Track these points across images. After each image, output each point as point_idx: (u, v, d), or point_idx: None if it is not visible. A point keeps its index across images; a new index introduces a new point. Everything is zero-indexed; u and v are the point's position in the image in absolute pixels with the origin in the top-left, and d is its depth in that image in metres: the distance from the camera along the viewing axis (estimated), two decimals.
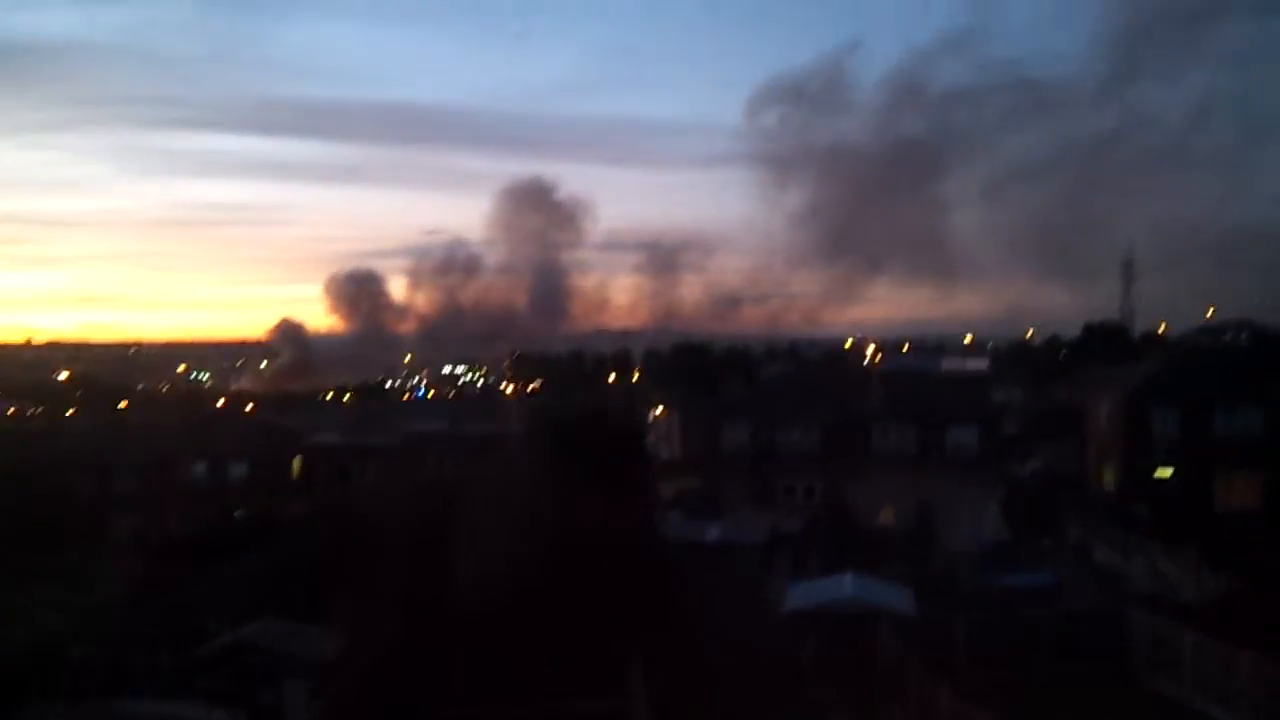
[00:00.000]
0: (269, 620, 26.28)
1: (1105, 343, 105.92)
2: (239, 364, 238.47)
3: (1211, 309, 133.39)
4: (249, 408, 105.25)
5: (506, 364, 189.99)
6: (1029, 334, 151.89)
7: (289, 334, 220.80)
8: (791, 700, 26.13)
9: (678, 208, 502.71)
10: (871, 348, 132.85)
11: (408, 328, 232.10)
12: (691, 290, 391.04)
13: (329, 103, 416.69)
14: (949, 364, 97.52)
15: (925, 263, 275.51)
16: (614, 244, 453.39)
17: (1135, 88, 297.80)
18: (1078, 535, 47.03)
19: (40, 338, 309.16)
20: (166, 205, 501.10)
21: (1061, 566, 40.10)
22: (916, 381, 66.58)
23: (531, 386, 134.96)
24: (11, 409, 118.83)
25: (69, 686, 18.95)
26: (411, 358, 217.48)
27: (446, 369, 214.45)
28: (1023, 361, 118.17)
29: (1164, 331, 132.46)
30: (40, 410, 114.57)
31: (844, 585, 31.13)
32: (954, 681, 23.46)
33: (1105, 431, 58.99)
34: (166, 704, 19.94)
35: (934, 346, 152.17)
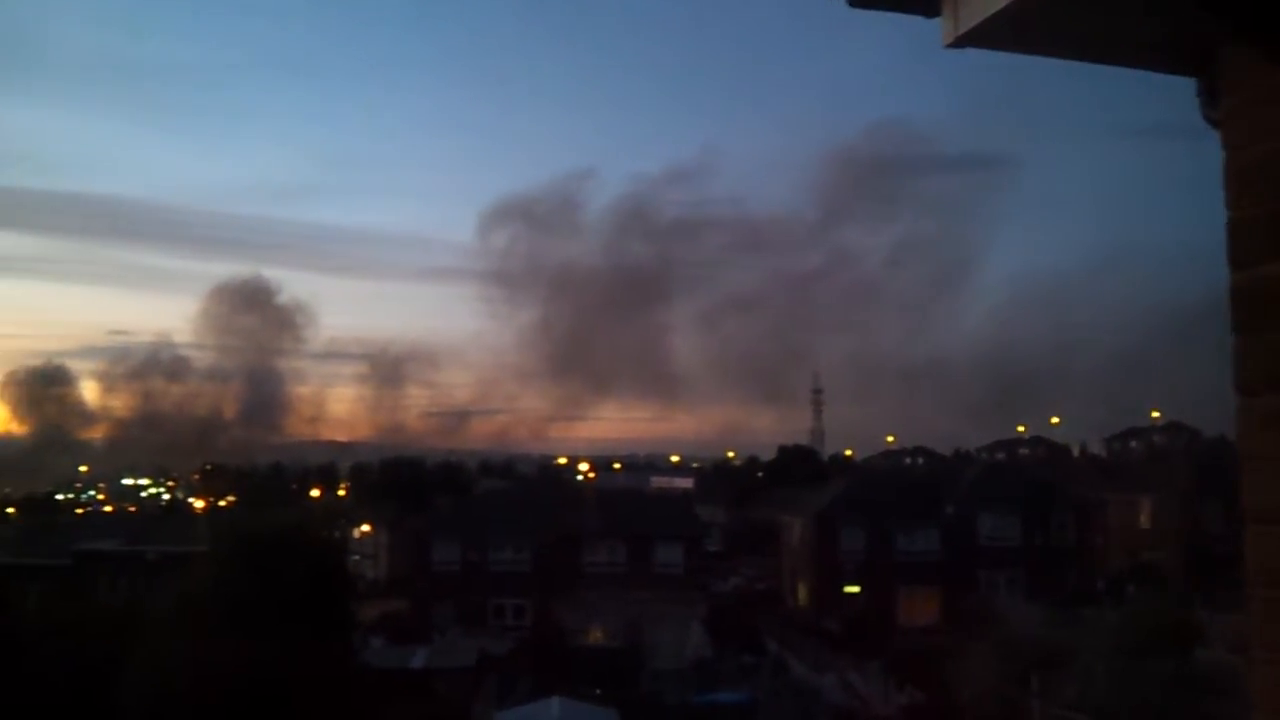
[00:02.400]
0: None
1: (798, 464, 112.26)
2: None
3: (892, 435, 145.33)
4: None
5: (197, 476, 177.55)
6: (731, 455, 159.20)
7: None
8: None
9: (400, 319, 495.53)
10: (585, 465, 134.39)
11: (95, 433, 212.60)
12: (414, 403, 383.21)
13: (6, 190, 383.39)
14: (657, 482, 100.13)
15: (644, 384, 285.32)
16: (333, 353, 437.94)
17: (840, 230, 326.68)
18: (776, 650, 48.53)
19: None
20: None
21: (761, 682, 41.11)
22: (626, 499, 67.61)
23: (223, 501, 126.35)
24: None
25: None
26: (88, 468, 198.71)
27: (129, 480, 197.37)
28: (725, 481, 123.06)
29: (850, 455, 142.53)
30: None
31: (551, 710, 30.37)
32: None
33: (798, 549, 61.96)
34: None
35: (644, 465, 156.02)
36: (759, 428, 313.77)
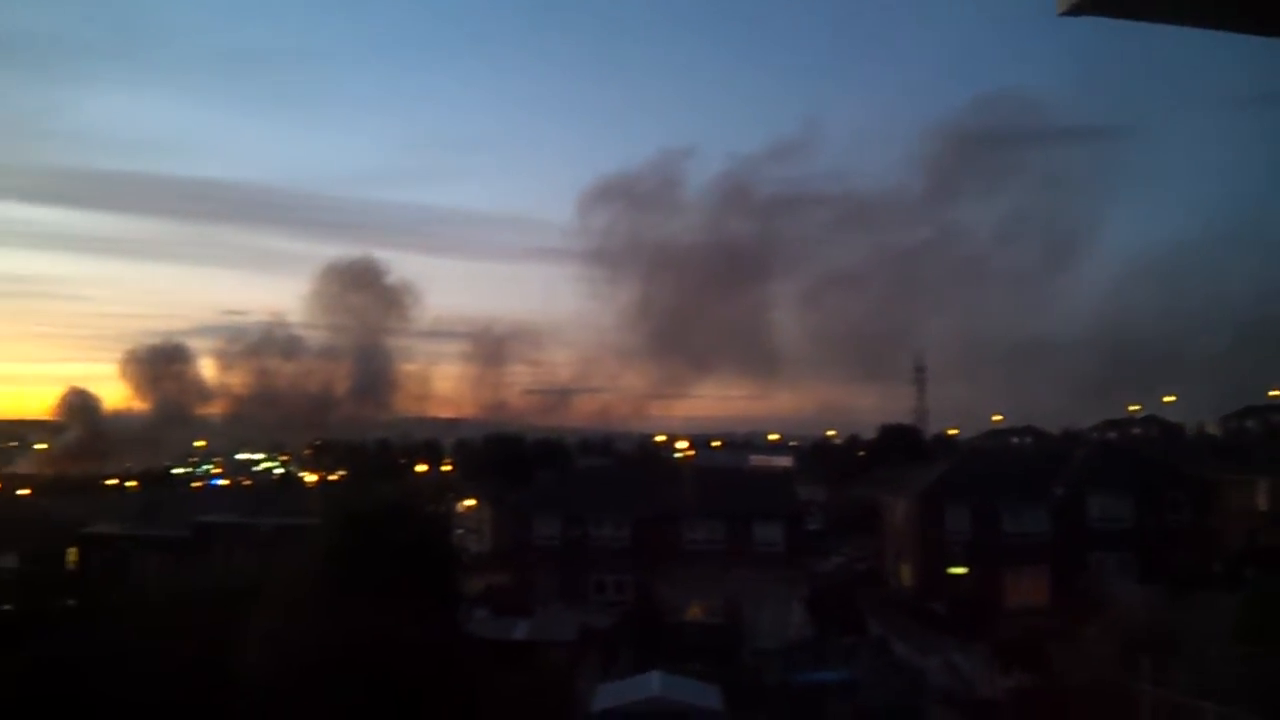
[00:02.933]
0: None
1: (900, 443, 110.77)
2: (13, 444, 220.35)
3: (998, 415, 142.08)
4: (22, 492, 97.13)
5: (308, 451, 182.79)
6: (832, 433, 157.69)
7: (78, 408, 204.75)
8: None
9: (503, 299, 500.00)
10: (683, 443, 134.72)
11: (211, 410, 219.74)
12: (516, 381, 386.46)
13: (123, 175, 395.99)
14: (756, 460, 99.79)
15: (743, 362, 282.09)
16: (438, 332, 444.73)
17: (946, 205, 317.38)
18: (878, 631, 48.13)
19: None
20: None
21: (862, 663, 40.80)
22: (725, 477, 67.60)
23: (333, 476, 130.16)
24: None
25: None
26: (205, 443, 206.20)
27: (242, 455, 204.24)
28: (825, 460, 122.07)
29: (955, 434, 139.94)
30: None
31: (652, 684, 30.69)
32: None
33: (901, 529, 61.20)
34: None
35: (742, 443, 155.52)
36: (860, 406, 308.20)
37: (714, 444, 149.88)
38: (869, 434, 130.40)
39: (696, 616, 48.71)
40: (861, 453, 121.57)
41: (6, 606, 55.69)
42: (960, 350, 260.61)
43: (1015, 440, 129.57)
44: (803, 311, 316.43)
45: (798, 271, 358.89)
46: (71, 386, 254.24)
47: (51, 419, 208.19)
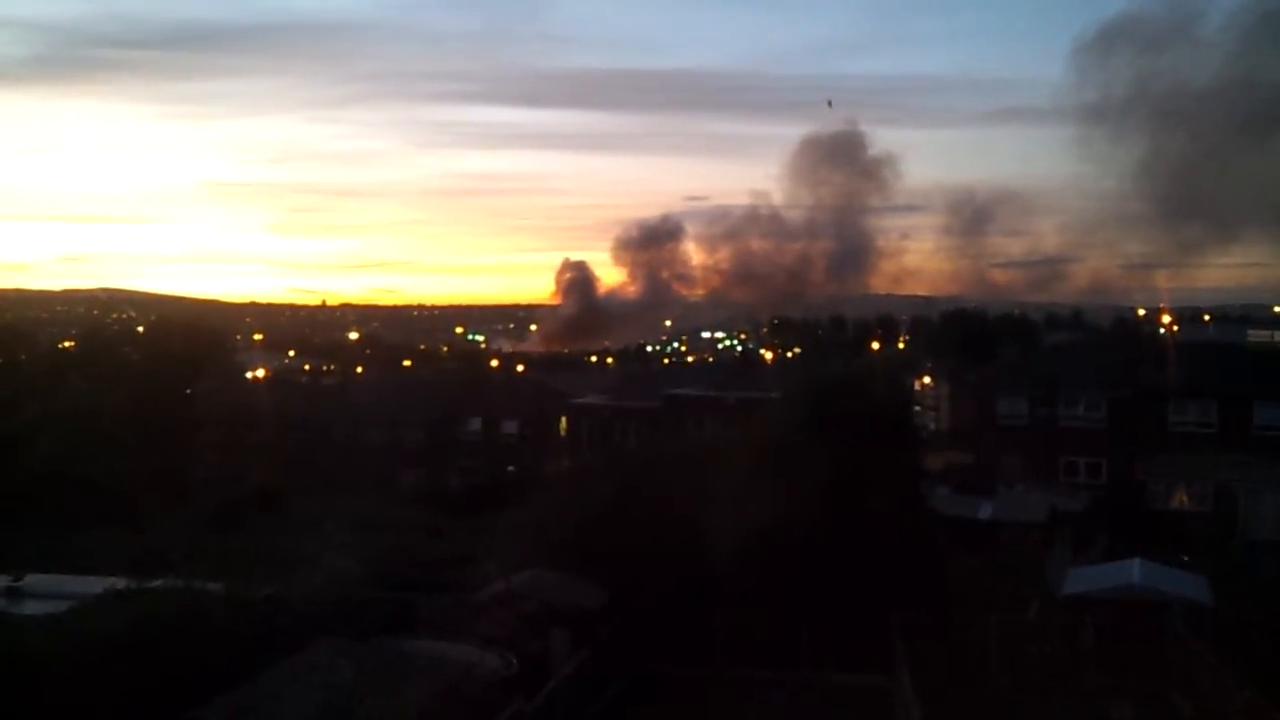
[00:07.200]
0: (539, 570, 27.00)
1: None
2: (511, 325, 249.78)
3: None
4: (520, 368, 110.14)
5: (765, 330, 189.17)
6: None
7: (576, 279, 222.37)
8: (1066, 685, 24.46)
9: (967, 168, 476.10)
10: (1166, 318, 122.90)
11: (686, 290, 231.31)
12: (983, 254, 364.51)
13: (597, 73, 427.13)
14: (1256, 336, 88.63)
15: (1265, 226, 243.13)
16: (901, 206, 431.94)
17: None
18: None
19: (333, 300, 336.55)
20: (447, 175, 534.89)
21: None
22: (1219, 354, 60.68)
23: (790, 352, 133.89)
24: (308, 365, 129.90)
25: (356, 624, 20.20)
26: (671, 322, 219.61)
27: (705, 334, 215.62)
28: None
29: None
30: (333, 367, 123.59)
31: (1131, 570, 28.81)
32: (1252, 678, 21.06)
33: None
34: (444, 644, 20.84)
35: (1237, 317, 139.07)
36: None
37: (1204, 318, 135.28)
38: None
39: (1181, 504, 45.04)
40: None
41: (511, 467, 64.16)
42: None
43: None
44: None
45: None
46: (567, 259, 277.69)
47: (545, 303, 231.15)
